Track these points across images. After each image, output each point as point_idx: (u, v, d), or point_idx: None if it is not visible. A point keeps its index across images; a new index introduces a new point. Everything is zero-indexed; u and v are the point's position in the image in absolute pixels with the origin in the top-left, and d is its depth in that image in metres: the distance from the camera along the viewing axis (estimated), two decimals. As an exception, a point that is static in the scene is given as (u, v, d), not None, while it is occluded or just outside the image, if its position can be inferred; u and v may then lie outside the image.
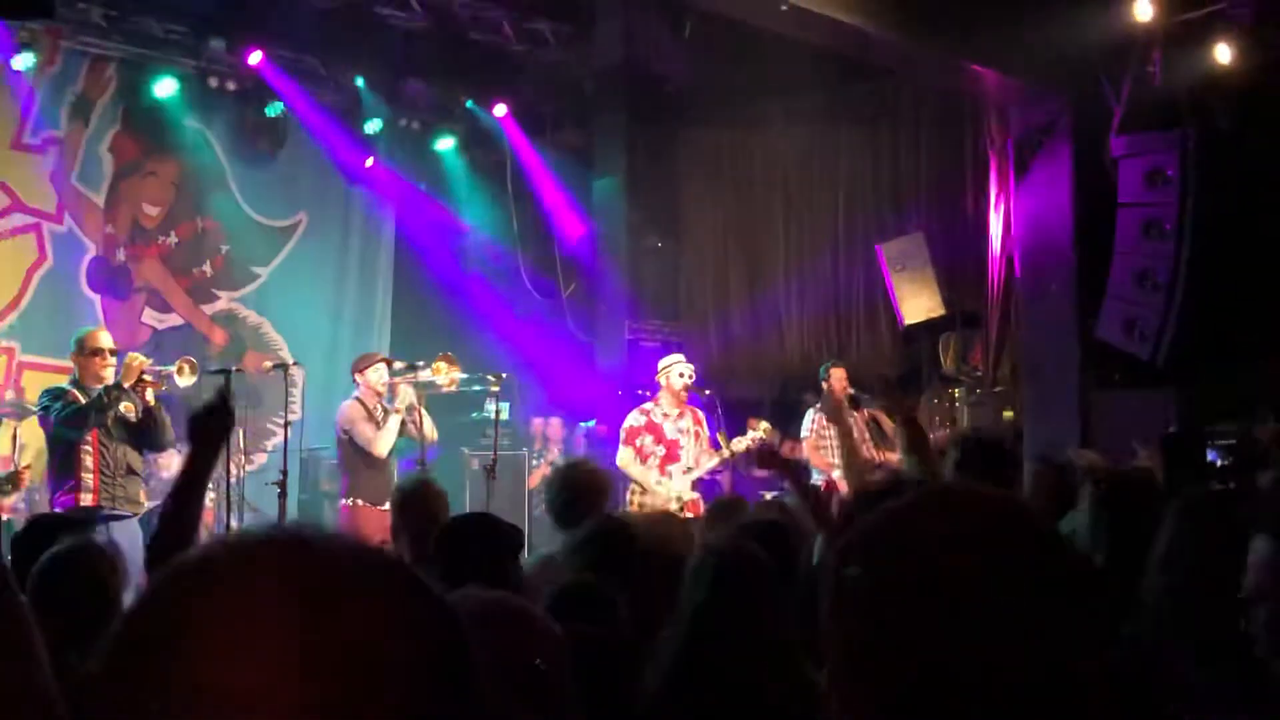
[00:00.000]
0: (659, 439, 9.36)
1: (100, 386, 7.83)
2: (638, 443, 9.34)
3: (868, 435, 10.16)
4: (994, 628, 1.26)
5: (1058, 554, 1.34)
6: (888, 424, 11.07)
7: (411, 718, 0.88)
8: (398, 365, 9.46)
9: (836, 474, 9.94)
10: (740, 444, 9.48)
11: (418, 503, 5.29)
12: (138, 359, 7.98)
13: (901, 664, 1.27)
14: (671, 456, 9.35)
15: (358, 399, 9.22)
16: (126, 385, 7.84)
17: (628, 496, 9.27)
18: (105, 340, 8.13)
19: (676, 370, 9.58)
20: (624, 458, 9.37)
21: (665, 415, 9.46)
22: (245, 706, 0.84)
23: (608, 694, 2.82)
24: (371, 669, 0.86)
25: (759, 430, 9.56)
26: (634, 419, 9.50)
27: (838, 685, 1.32)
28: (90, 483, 7.79)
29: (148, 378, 7.95)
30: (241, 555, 0.91)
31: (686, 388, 9.54)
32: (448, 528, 4.29)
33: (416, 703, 0.88)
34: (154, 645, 0.87)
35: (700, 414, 9.60)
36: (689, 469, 9.38)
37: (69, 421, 7.75)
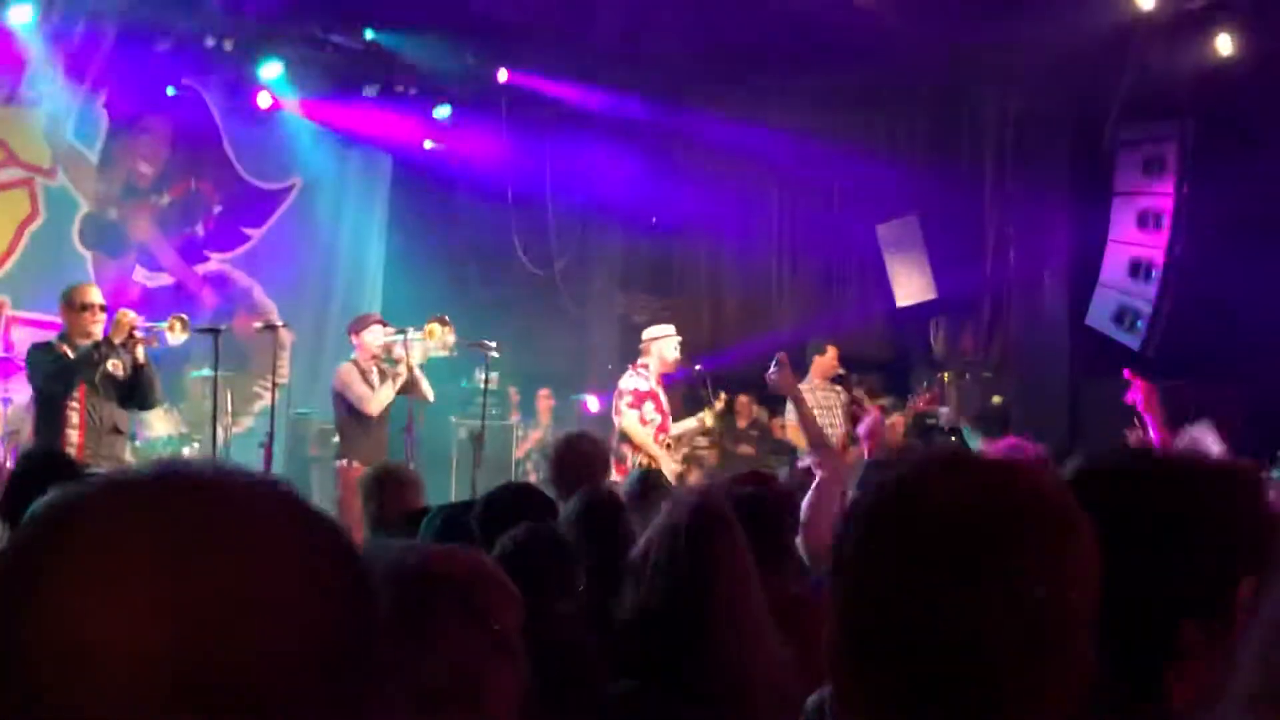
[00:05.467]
0: (658, 407, 9.36)
1: (89, 342, 7.80)
2: (643, 408, 9.30)
3: (842, 416, 10.22)
4: (1000, 592, 1.25)
5: (1067, 516, 1.33)
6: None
7: (287, 667, 0.83)
8: (390, 329, 9.45)
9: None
10: (709, 417, 9.61)
11: (391, 490, 5.30)
12: (128, 315, 7.95)
13: (909, 632, 1.26)
14: (664, 427, 9.36)
15: (353, 360, 9.24)
16: (117, 341, 7.82)
17: (634, 460, 9.10)
18: (94, 295, 8.09)
19: (673, 342, 9.58)
20: (631, 421, 9.24)
21: (658, 383, 9.47)
22: (104, 659, 0.78)
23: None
24: (243, 618, 0.81)
25: (720, 402, 9.73)
26: (638, 382, 9.41)
27: (841, 653, 1.32)
28: (75, 439, 7.77)
29: (138, 334, 7.92)
30: (109, 497, 0.85)
31: (677, 361, 9.57)
32: (489, 499, 4.30)
33: (293, 652, 0.83)
34: (9, 594, 0.82)
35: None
36: (676, 438, 9.44)
37: (57, 377, 7.73)
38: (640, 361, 9.62)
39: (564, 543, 3.52)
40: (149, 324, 8.14)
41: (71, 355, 7.77)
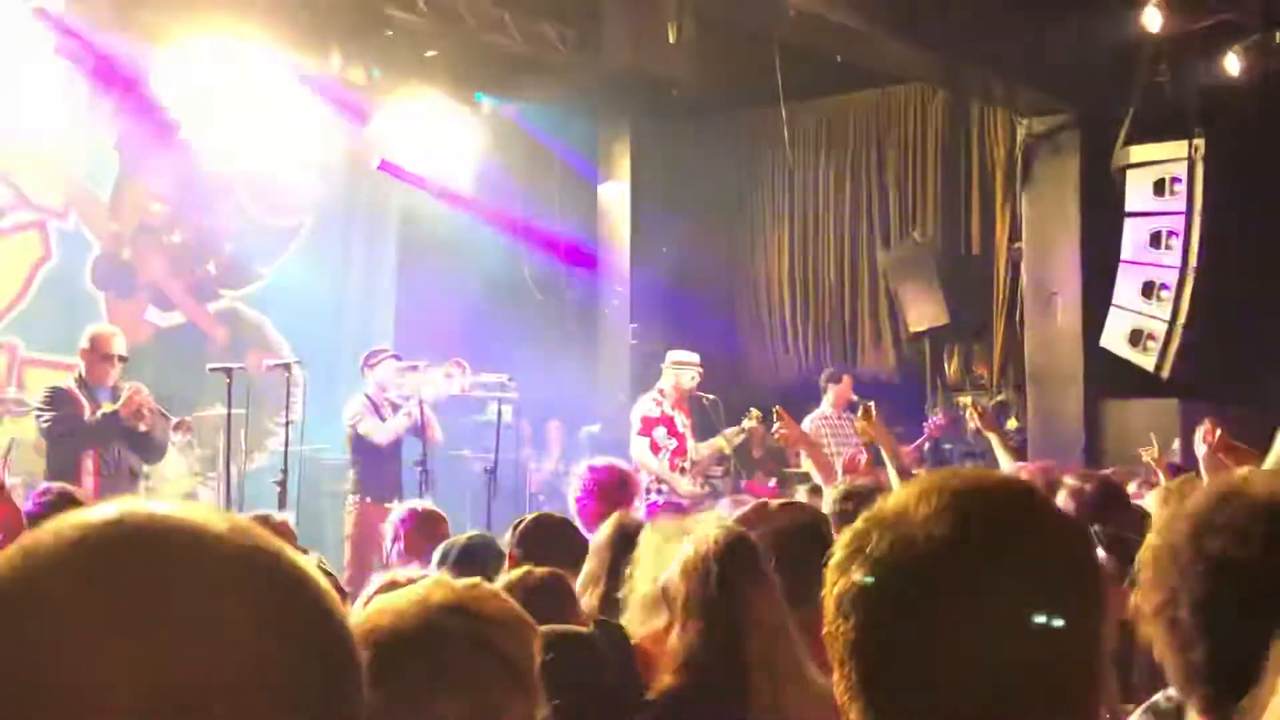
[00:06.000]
0: (672, 432, 9.31)
1: (98, 412, 7.97)
2: (654, 434, 9.25)
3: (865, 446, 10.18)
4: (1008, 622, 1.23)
5: (1065, 541, 1.31)
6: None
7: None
8: (403, 364, 9.50)
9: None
10: (737, 437, 9.52)
11: (415, 529, 5.31)
12: (139, 395, 8.09)
13: (911, 666, 1.24)
14: (681, 450, 9.30)
15: (365, 394, 9.29)
16: (124, 414, 7.96)
17: (648, 483, 9.03)
18: (118, 346, 8.23)
19: (690, 373, 9.56)
20: (641, 449, 9.18)
21: (675, 408, 9.43)
22: (80, 703, 0.78)
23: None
24: (220, 670, 0.81)
25: (752, 420, 9.62)
26: (649, 408, 9.38)
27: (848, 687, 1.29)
28: (90, 483, 7.80)
29: (145, 413, 8.10)
30: (85, 544, 0.84)
31: (691, 391, 9.54)
32: (524, 533, 4.31)
33: (268, 705, 0.83)
34: None
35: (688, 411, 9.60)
36: (693, 462, 9.37)
37: (58, 441, 7.89)
38: (658, 386, 9.62)
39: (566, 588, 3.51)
40: (157, 407, 8.35)
41: (84, 400, 7.87)
